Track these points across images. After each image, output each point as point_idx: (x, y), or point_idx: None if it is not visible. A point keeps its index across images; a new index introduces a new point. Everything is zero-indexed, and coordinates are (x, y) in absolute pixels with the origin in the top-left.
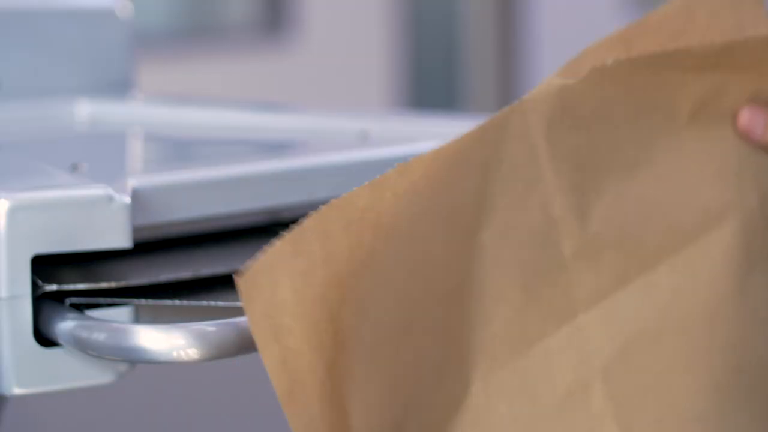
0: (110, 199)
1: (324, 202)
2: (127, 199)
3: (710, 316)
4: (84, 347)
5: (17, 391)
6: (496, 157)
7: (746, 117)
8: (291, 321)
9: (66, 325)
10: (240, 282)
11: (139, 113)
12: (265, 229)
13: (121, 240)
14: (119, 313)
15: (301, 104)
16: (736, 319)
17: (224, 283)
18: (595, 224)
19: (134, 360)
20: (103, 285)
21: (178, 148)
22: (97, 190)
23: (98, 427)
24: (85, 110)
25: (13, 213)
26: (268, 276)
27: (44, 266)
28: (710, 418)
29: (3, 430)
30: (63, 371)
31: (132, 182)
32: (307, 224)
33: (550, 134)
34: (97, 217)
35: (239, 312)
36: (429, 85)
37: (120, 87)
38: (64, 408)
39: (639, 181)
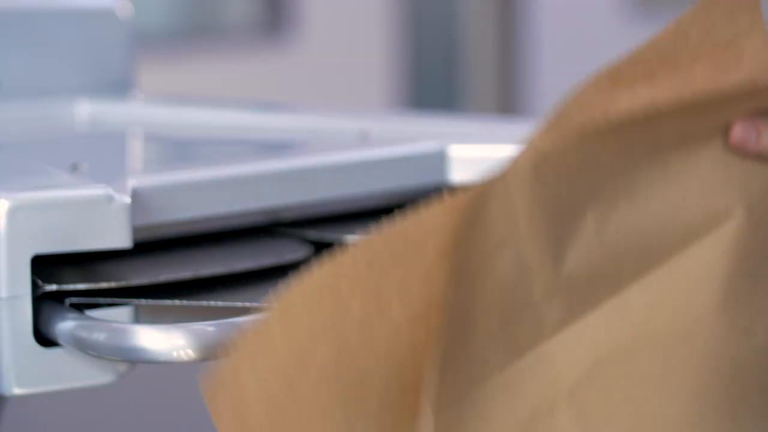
0: (110, 199)
1: (324, 202)
2: (127, 199)
3: (688, 331)
4: (84, 347)
5: (17, 391)
6: (472, 223)
7: (739, 130)
8: (256, 411)
9: (66, 325)
10: (204, 391)
11: (139, 113)
12: (265, 229)
13: (121, 240)
14: (119, 313)
15: (301, 104)
16: (716, 331)
17: (224, 283)
18: (570, 265)
19: (134, 360)
20: (103, 285)
21: (178, 148)
22: (97, 190)
23: (98, 427)
24: (85, 110)
25: (13, 213)
26: (232, 379)
27: (44, 266)
28: (690, 427)
29: (3, 430)
30: (63, 371)
31: (132, 182)
32: (268, 312)
33: (529, 193)
34: (97, 217)
35: (239, 312)
36: (429, 85)
37: (120, 87)
38: (64, 408)
39: (619, 214)
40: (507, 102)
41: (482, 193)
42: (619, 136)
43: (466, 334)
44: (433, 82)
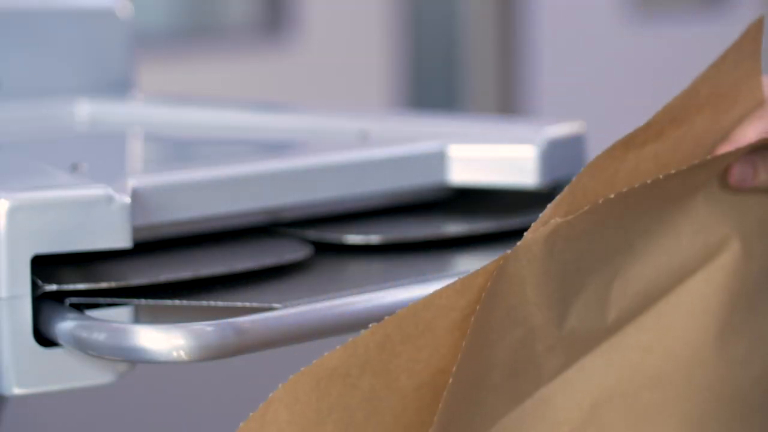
0: (110, 199)
1: (324, 202)
2: (127, 199)
3: (685, 365)
4: (84, 347)
5: (17, 391)
6: (485, 301)
7: (737, 170)
8: None
9: (66, 325)
10: None
11: (139, 113)
12: (265, 229)
13: (121, 240)
14: (119, 313)
15: (301, 104)
16: (713, 363)
17: (224, 283)
18: (571, 322)
19: (134, 360)
20: (103, 285)
21: (178, 148)
22: (97, 190)
23: (98, 427)
24: (85, 110)
25: (13, 213)
26: None
27: (44, 266)
28: None
29: (3, 430)
30: (63, 371)
31: (132, 182)
32: (275, 395)
33: (539, 263)
34: (97, 217)
35: (239, 312)
36: (429, 85)
37: (120, 87)
38: (64, 408)
39: (620, 270)
40: (507, 102)
41: (495, 269)
42: (624, 199)
43: (471, 392)
44: (433, 82)
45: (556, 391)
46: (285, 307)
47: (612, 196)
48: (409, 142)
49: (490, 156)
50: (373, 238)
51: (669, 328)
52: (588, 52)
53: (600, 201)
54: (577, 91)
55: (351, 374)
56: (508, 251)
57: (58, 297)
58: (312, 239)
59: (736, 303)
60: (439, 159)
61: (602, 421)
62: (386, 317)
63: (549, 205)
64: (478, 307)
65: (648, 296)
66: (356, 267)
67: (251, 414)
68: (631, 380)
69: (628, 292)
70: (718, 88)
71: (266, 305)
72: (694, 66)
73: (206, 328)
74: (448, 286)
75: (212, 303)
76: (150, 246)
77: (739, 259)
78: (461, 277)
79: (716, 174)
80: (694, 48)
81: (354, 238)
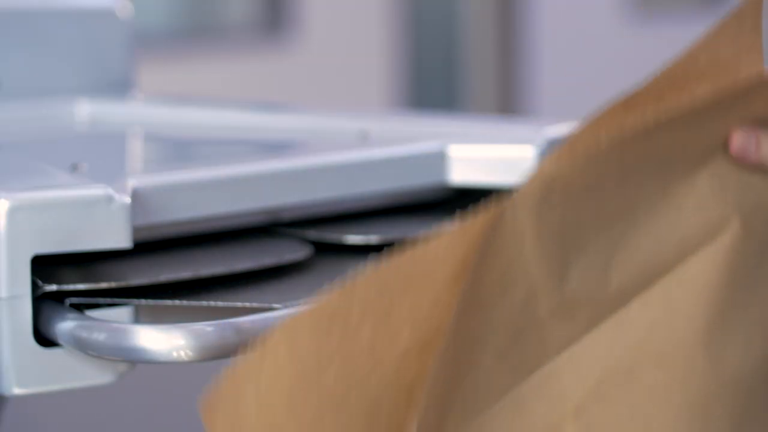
0: (110, 199)
1: (324, 202)
2: (127, 199)
3: (688, 344)
4: (84, 347)
5: (17, 391)
6: (482, 249)
7: (739, 139)
8: (254, 430)
9: (66, 325)
10: (202, 404)
11: (139, 113)
12: (265, 229)
13: (121, 240)
14: (119, 314)
15: (301, 104)
16: (716, 342)
17: (224, 283)
18: (573, 284)
19: (134, 360)
20: (103, 285)
21: (178, 148)
22: (97, 190)
23: (98, 427)
24: (85, 110)
25: (13, 213)
26: (233, 395)
27: (44, 266)
28: None
29: (3, 430)
30: (63, 371)
31: (132, 182)
32: (274, 336)
33: (536, 216)
34: (97, 217)
35: (239, 312)
36: (429, 85)
37: (120, 87)
38: (64, 408)
39: (620, 235)
40: (507, 102)
41: (491, 219)
42: (622, 158)
43: (474, 357)
44: (433, 82)
45: (562, 367)
46: (285, 307)
47: (609, 150)
48: (409, 142)
49: (490, 156)
50: (373, 238)
51: (673, 306)
52: (588, 52)
53: (597, 155)
54: (577, 91)
55: (351, 318)
56: (505, 201)
57: (59, 297)
58: (312, 239)
59: (737, 282)
60: (439, 159)
61: (607, 399)
62: (385, 262)
63: (546, 157)
64: (474, 259)
65: (650, 270)
66: (356, 267)
67: (247, 354)
68: (636, 358)
69: (630, 262)
70: (717, 59)
71: (266, 305)
72: None
73: (206, 328)
74: (446, 232)
75: (212, 303)
76: (150, 246)
77: (739, 238)
78: (459, 224)
79: (718, 147)
80: None
81: (354, 238)
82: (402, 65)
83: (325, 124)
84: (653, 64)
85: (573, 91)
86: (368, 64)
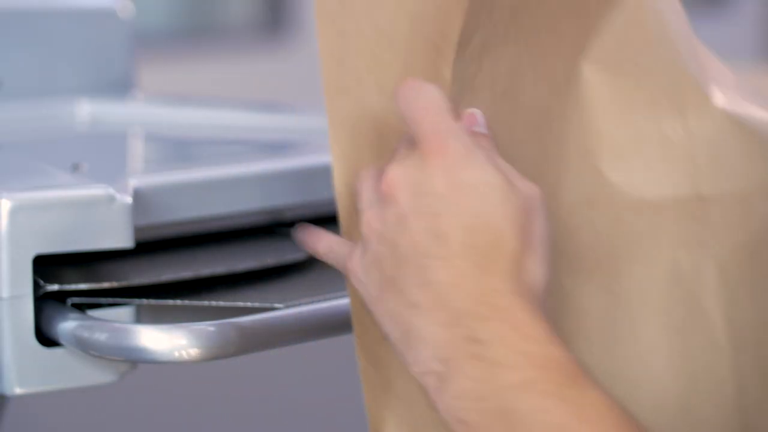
0: (112, 199)
1: (324, 202)
2: (129, 199)
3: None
4: (85, 347)
5: (18, 390)
6: None
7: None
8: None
9: (67, 325)
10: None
11: (139, 113)
12: (265, 229)
13: (123, 240)
14: (121, 313)
15: (302, 104)
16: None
17: (226, 283)
18: None
19: (136, 360)
20: (105, 285)
21: (178, 148)
22: (98, 190)
23: (98, 427)
24: (85, 110)
25: (14, 213)
26: None
27: (46, 266)
28: None
29: (3, 430)
30: (64, 371)
31: (133, 182)
32: None
33: None
34: (99, 217)
35: (240, 312)
36: None
37: (120, 87)
38: (64, 408)
39: None
40: None
41: None
42: None
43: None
44: None
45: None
46: (286, 307)
47: None
48: None
49: None
50: None
51: None
52: None
53: None
54: None
55: None
56: None
57: (60, 297)
58: None
59: None
60: None
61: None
62: None
63: None
64: None
65: None
66: None
67: None
68: None
69: None
70: None
71: (268, 305)
72: None
73: (208, 328)
74: None
75: (214, 303)
76: (151, 246)
77: None
78: None
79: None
80: None
81: None
82: None
83: (326, 123)
84: None
85: None
86: None
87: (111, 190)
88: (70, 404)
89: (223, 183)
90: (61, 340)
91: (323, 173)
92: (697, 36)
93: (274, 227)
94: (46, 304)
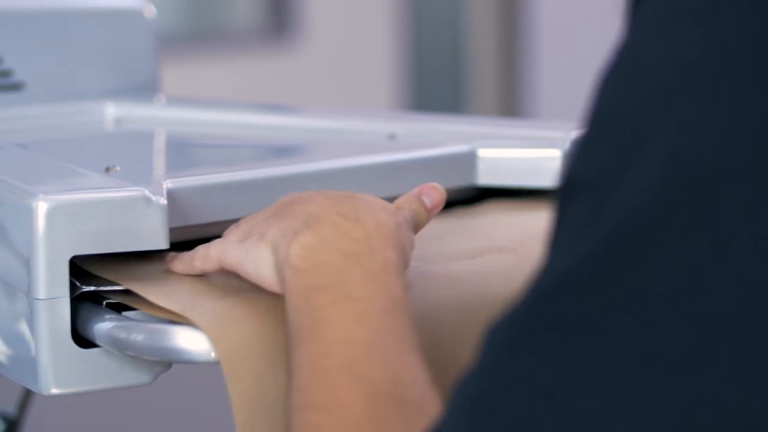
0: (147, 200)
1: None
2: (164, 201)
3: None
4: (122, 348)
5: (55, 390)
6: None
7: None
8: None
9: (104, 325)
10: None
11: (166, 115)
12: None
13: (158, 241)
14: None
15: (325, 107)
16: None
17: None
18: None
19: (172, 360)
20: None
21: (207, 150)
22: (134, 192)
23: (100, 427)
24: (113, 112)
25: (51, 215)
26: None
27: (79, 266)
28: None
29: (27, 425)
30: (100, 372)
31: (167, 184)
32: None
33: None
34: (135, 218)
35: None
36: (432, 86)
37: (147, 89)
38: (67, 407)
39: None
40: (509, 103)
41: None
42: None
43: None
44: (436, 83)
45: None
46: None
47: None
48: (436, 144)
49: (519, 158)
50: None
51: None
52: (590, 53)
53: None
54: (579, 91)
55: None
56: None
57: (94, 297)
58: None
59: None
60: (470, 161)
61: None
62: None
63: None
64: None
65: None
66: None
67: None
68: None
69: None
70: None
71: None
72: None
73: None
74: None
75: None
76: (184, 247)
77: None
78: None
79: None
80: None
81: None
82: (405, 67)
83: (351, 126)
84: None
85: (575, 91)
86: (372, 66)
87: (147, 192)
88: (79, 403)
89: (255, 184)
90: (98, 341)
91: (355, 174)
92: None
93: None
94: (81, 304)
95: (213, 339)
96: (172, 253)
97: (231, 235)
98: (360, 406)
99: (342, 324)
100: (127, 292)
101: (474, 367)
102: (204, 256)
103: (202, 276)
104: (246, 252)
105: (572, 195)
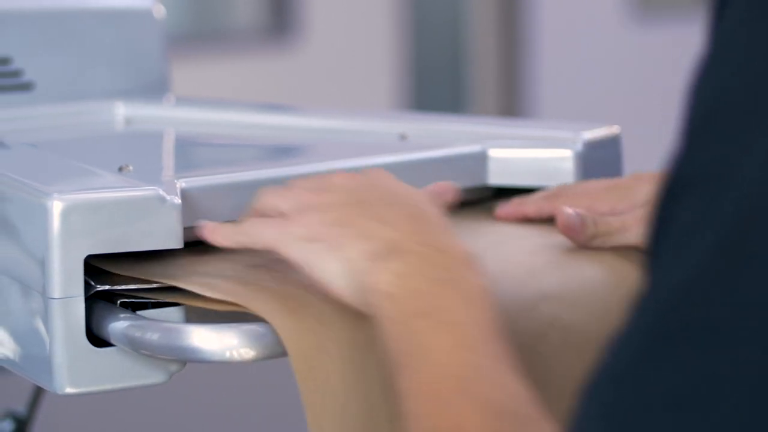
0: (162, 200)
1: None
2: (178, 200)
3: None
4: (137, 347)
5: (70, 390)
6: None
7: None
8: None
9: (119, 324)
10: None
11: (177, 115)
12: None
13: (172, 241)
14: (169, 313)
15: (335, 108)
16: None
17: None
18: None
19: (187, 360)
20: (155, 285)
21: (218, 150)
22: (149, 192)
23: (115, 426)
24: (123, 112)
25: (66, 214)
26: None
27: (93, 265)
28: None
29: (37, 424)
30: (115, 371)
31: (181, 183)
32: None
33: None
34: (149, 217)
35: None
36: (433, 86)
37: (156, 89)
38: (86, 405)
39: None
40: (510, 103)
41: None
42: None
43: None
44: (437, 83)
45: None
46: None
47: None
48: (448, 144)
49: (530, 158)
50: None
51: None
52: (591, 53)
53: None
54: (580, 91)
55: None
56: None
57: (109, 296)
58: None
59: None
60: (481, 161)
61: None
62: None
63: None
64: None
65: None
66: None
67: None
68: None
69: None
70: None
71: None
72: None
73: (258, 328)
74: None
75: None
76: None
77: None
78: None
79: None
80: (695, 48)
81: None
82: (406, 67)
83: (361, 126)
84: (655, 65)
85: (575, 91)
86: (373, 66)
87: (161, 192)
88: (88, 402)
89: (266, 184)
90: (113, 340)
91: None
92: (698, 36)
93: None
94: (96, 304)
95: (282, 332)
96: (209, 223)
97: (291, 225)
98: (485, 426)
99: (448, 348)
100: (143, 291)
101: (602, 375)
102: (252, 234)
103: (235, 265)
104: (316, 256)
105: (682, 194)
